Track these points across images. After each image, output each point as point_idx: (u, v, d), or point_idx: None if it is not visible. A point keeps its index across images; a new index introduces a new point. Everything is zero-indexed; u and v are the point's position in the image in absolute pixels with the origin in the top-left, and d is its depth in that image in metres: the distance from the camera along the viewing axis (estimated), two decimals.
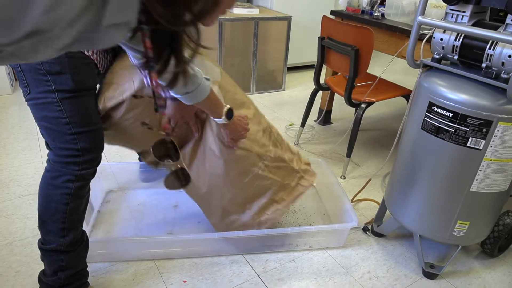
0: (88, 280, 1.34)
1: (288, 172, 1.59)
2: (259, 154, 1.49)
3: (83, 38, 0.56)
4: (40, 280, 1.27)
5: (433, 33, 1.36)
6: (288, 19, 3.29)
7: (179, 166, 1.27)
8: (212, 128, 1.42)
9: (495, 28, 1.21)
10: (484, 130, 1.22)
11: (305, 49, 3.85)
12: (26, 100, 1.25)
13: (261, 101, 3.26)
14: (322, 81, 2.37)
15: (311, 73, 3.90)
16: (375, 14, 2.28)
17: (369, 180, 2.04)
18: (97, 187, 1.85)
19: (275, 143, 1.60)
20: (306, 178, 1.65)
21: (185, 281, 1.46)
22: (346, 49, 1.97)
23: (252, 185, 1.50)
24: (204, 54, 1.50)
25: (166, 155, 1.28)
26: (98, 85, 1.35)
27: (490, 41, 1.21)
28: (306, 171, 1.66)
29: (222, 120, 1.32)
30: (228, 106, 1.33)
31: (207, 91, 1.19)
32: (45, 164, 1.22)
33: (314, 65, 3.95)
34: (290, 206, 1.61)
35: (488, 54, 1.21)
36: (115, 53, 1.37)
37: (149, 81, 0.89)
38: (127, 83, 1.31)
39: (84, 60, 1.23)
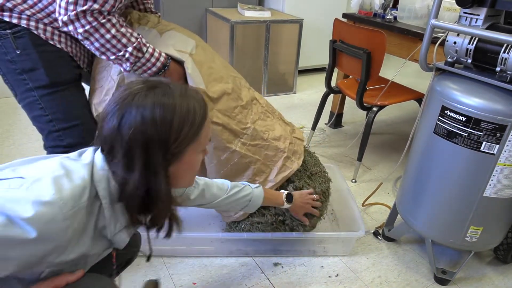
0: None
1: (271, 151, 1.53)
2: (234, 131, 1.46)
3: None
4: None
5: (446, 36, 1.35)
6: (299, 22, 3.29)
7: None
8: None
9: (510, 32, 1.19)
10: (498, 134, 1.20)
11: (316, 52, 3.84)
12: (19, 103, 1.25)
13: (272, 103, 3.23)
14: (333, 84, 2.36)
15: (322, 76, 3.89)
16: (388, 17, 2.27)
17: (380, 184, 2.03)
18: None
19: (265, 113, 1.57)
20: (293, 159, 1.58)
21: (194, 283, 1.46)
22: (358, 52, 1.96)
23: (230, 162, 1.48)
24: (177, 26, 1.47)
25: None
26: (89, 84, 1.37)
27: (505, 45, 1.19)
28: (294, 152, 1.58)
29: (285, 206, 1.43)
30: (285, 192, 1.42)
31: (261, 198, 1.32)
32: None
33: (325, 68, 3.93)
34: (274, 187, 1.54)
35: (502, 58, 1.19)
36: None
37: None
38: (107, 82, 1.33)
39: (57, 53, 1.20)
